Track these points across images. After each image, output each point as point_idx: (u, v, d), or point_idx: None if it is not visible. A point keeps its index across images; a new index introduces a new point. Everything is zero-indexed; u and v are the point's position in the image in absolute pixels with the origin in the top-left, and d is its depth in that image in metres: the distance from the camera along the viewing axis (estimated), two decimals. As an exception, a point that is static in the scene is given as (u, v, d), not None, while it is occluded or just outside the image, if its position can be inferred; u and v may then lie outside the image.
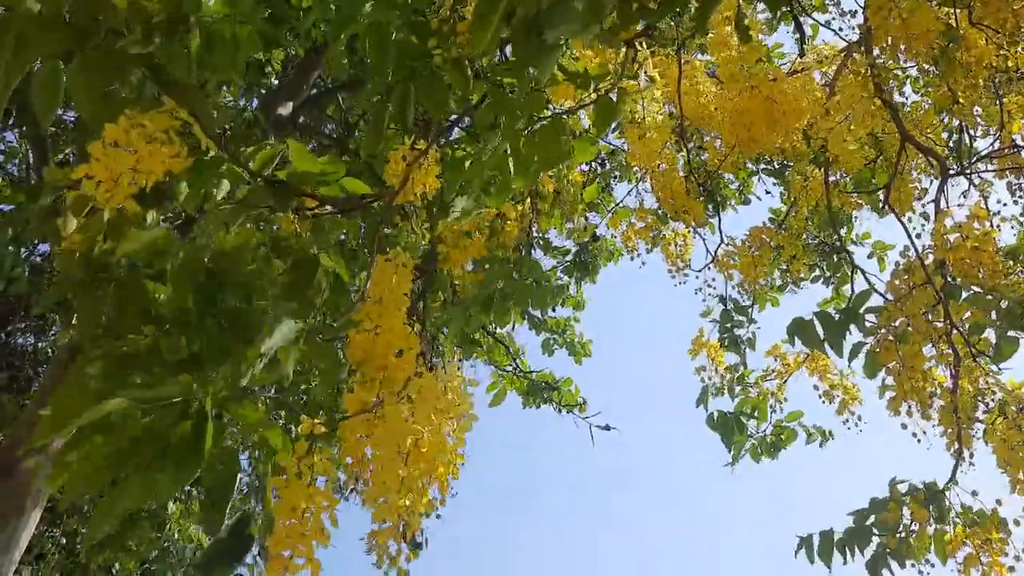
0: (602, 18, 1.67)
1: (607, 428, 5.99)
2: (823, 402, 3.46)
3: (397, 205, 2.37)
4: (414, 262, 2.15)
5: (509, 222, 2.67)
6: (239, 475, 1.43)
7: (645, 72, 2.54)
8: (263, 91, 7.37)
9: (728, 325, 4.46)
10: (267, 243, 1.93)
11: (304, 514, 1.32)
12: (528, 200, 2.99)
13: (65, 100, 1.87)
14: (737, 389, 3.88)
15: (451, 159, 2.82)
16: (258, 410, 1.36)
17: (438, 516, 1.55)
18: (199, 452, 1.25)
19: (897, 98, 4.31)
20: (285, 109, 7.08)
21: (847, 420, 3.28)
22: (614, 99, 2.33)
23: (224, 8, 1.88)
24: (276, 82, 7.26)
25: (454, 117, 3.32)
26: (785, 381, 3.82)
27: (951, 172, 2.79)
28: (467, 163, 2.73)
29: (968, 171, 3.25)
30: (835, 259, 5.37)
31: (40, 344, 9.09)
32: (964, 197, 4.01)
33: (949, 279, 2.45)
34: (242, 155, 2.01)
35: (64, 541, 7.89)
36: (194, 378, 1.26)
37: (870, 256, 5.93)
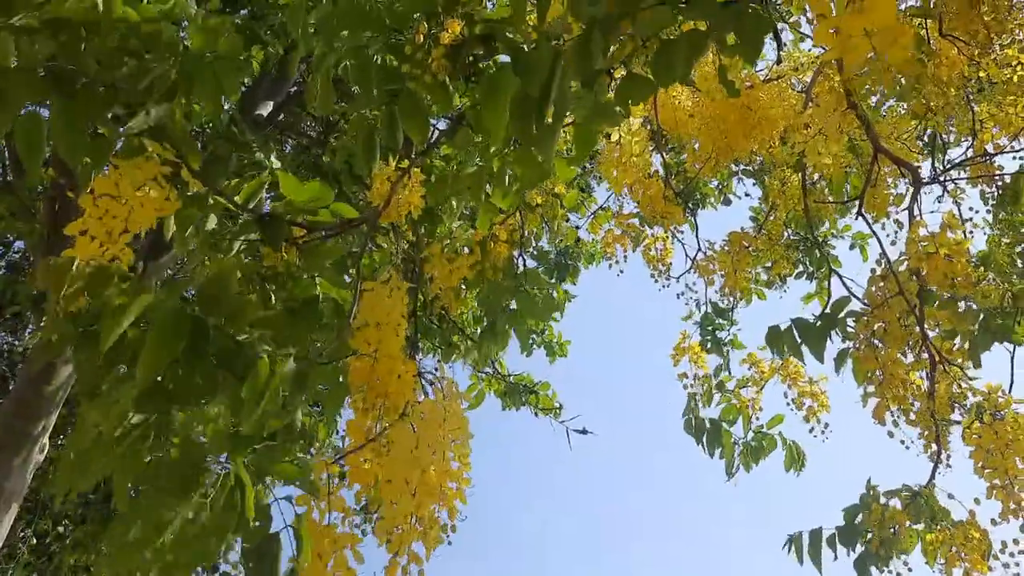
0: (595, 89, 1.73)
1: (584, 432, 6.04)
2: (792, 409, 3.52)
3: (381, 225, 2.41)
4: (407, 284, 2.19)
5: (500, 243, 2.70)
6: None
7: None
8: (243, 88, 7.32)
9: (710, 327, 4.53)
10: (258, 275, 1.96)
11: (331, 557, 1.35)
12: (518, 215, 3.02)
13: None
14: (717, 396, 3.94)
15: (435, 176, 2.85)
16: (287, 464, 1.39)
17: (449, 543, 1.59)
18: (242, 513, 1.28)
19: (874, 100, 4.40)
20: (265, 108, 7.06)
21: (813, 428, 3.35)
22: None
23: (204, 45, 1.89)
24: (254, 80, 7.21)
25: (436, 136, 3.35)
26: (761, 389, 3.88)
27: (924, 181, 2.87)
28: (449, 180, 2.77)
29: (941, 179, 3.33)
30: (817, 255, 5.44)
31: (16, 343, 9.01)
32: (939, 202, 4.11)
33: (923, 287, 2.52)
34: (226, 187, 2.03)
35: (35, 541, 7.86)
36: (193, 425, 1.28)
37: (852, 247, 6.03)
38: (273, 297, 2.13)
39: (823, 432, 3.26)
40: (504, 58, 2.20)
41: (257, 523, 1.39)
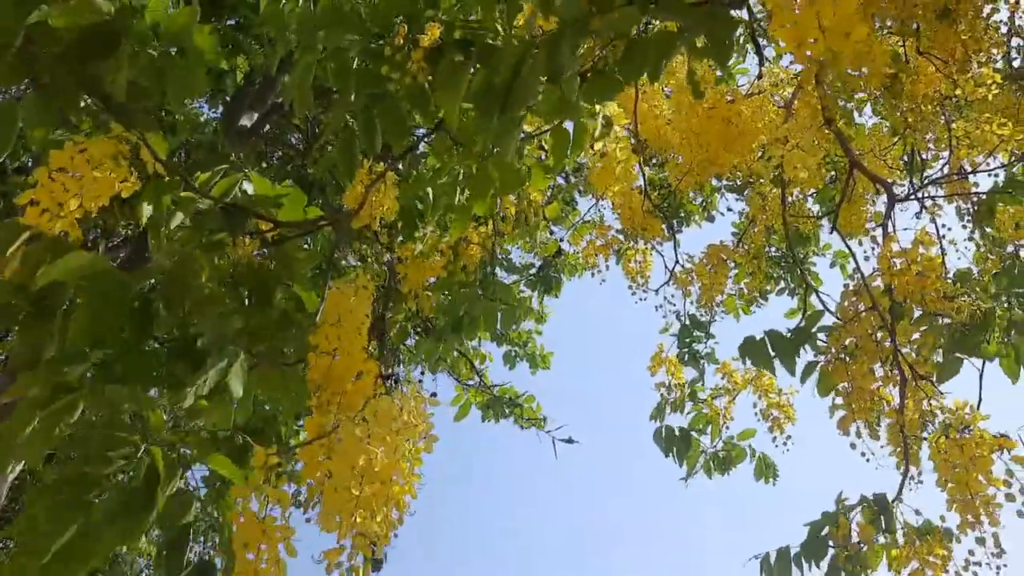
0: (562, 85, 1.73)
1: (569, 441, 6.05)
2: (758, 420, 3.55)
3: (358, 228, 2.39)
4: (374, 284, 2.17)
5: (472, 245, 2.70)
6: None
7: (604, 114, 2.59)
8: (228, 98, 7.31)
9: (687, 340, 4.52)
10: (229, 274, 1.95)
11: (261, 546, 1.34)
12: (491, 222, 3.02)
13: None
14: (689, 405, 3.95)
15: (412, 179, 2.85)
16: (218, 455, 1.37)
17: (395, 535, 1.57)
18: (152, 501, 1.26)
19: (856, 119, 4.43)
20: (249, 119, 7.04)
21: (775, 439, 3.38)
22: (569, 129, 2.38)
23: (175, 40, 1.89)
24: (238, 91, 7.20)
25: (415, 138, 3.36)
26: (734, 399, 3.89)
27: (898, 198, 2.87)
28: (427, 185, 2.76)
29: (916, 196, 3.34)
30: (798, 271, 5.47)
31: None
32: (917, 218, 4.12)
33: (896, 302, 2.52)
34: (197, 180, 2.02)
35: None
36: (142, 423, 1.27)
37: (832, 265, 6.07)
38: (247, 300, 2.11)
39: (785, 444, 3.28)
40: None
41: (175, 511, 1.37)
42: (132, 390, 1.42)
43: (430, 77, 2.19)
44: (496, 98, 1.80)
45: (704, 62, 2.56)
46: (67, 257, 1.68)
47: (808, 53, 1.30)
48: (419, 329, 5.24)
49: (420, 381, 6.39)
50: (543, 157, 3.17)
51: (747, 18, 4.00)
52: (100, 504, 1.26)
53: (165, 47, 1.90)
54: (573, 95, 1.94)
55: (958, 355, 2.69)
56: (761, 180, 4.03)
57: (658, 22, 2.01)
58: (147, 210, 2.00)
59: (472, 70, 2.05)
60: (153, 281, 1.85)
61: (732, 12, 1.85)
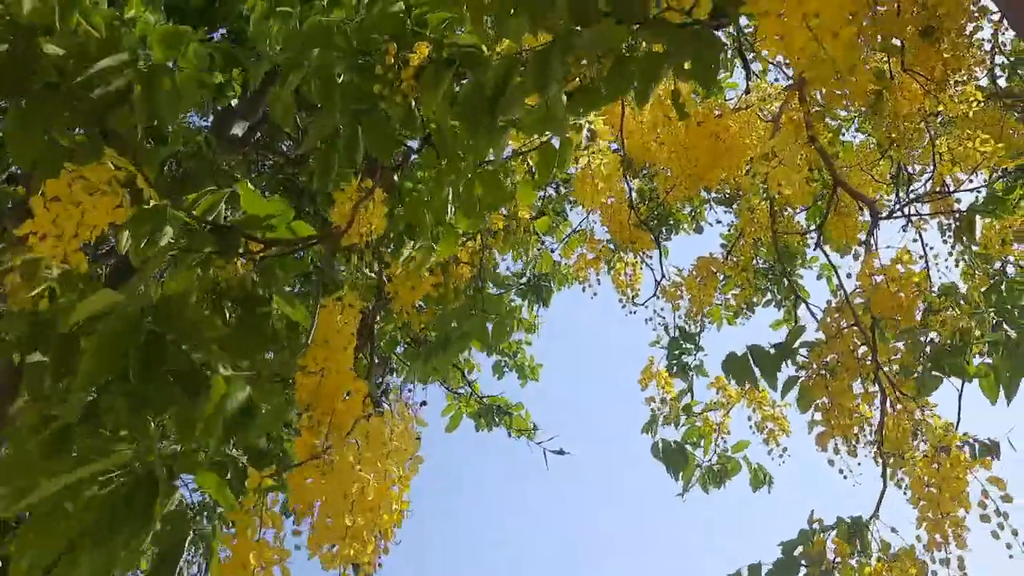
0: (548, 100, 1.75)
1: (560, 452, 6.06)
2: (753, 432, 3.60)
3: (345, 245, 2.41)
4: (362, 303, 2.19)
5: (462, 264, 2.72)
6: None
7: (589, 127, 2.62)
8: (219, 108, 7.31)
9: (676, 352, 4.56)
10: (213, 289, 1.96)
11: (255, 571, 1.35)
12: (479, 237, 3.04)
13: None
14: (683, 419, 3.98)
15: (400, 193, 2.87)
16: (209, 473, 1.39)
17: (380, 565, 1.59)
18: (150, 517, 1.28)
19: (844, 135, 4.48)
20: (240, 128, 7.04)
21: (771, 451, 3.42)
22: (556, 145, 2.40)
23: (166, 55, 1.91)
24: (236, 101, 7.20)
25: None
26: (728, 412, 3.93)
27: (880, 216, 2.91)
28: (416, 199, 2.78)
29: (899, 213, 3.38)
30: (785, 283, 5.51)
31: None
32: (903, 231, 4.16)
33: (876, 319, 2.55)
34: (185, 201, 2.04)
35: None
36: (137, 443, 1.28)
37: (819, 277, 6.11)
38: (228, 313, 2.12)
39: (781, 456, 3.31)
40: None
41: (168, 528, 1.39)
42: (133, 420, 1.44)
43: (418, 95, 2.22)
44: (483, 107, 1.83)
45: (690, 83, 2.58)
46: (94, 297, 1.68)
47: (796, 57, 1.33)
48: (409, 340, 5.26)
49: (411, 391, 6.41)
50: (531, 169, 3.20)
51: (734, 33, 4.05)
52: (92, 520, 1.28)
53: (155, 64, 1.91)
54: (559, 110, 1.96)
55: (937, 374, 2.73)
56: (749, 194, 4.07)
57: (645, 44, 2.04)
58: (128, 237, 2.02)
59: (459, 82, 2.08)
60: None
61: (719, 31, 1.88)
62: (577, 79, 2.08)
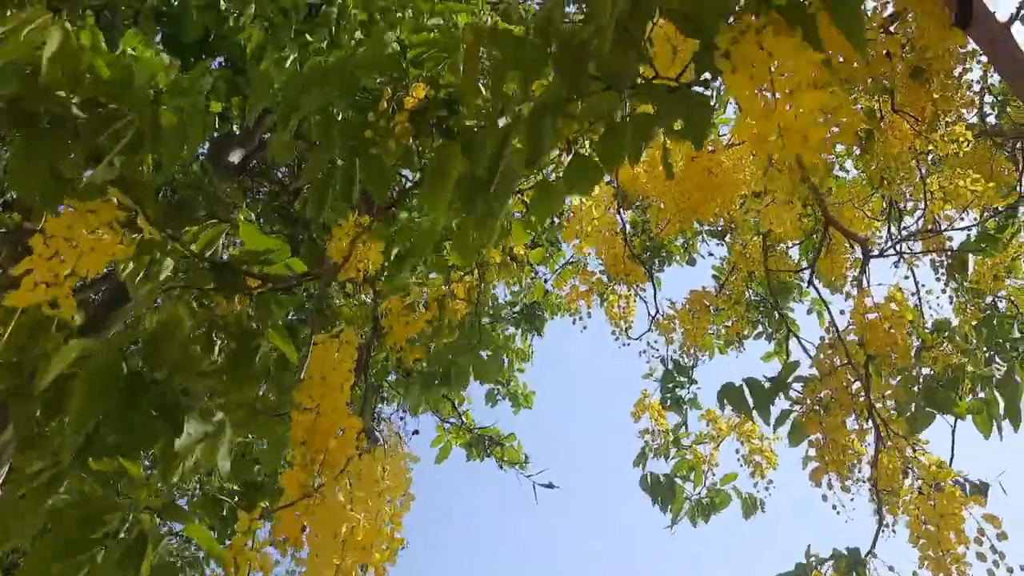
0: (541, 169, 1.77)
1: (550, 486, 6.03)
2: (740, 465, 3.63)
3: (340, 280, 2.42)
4: (358, 339, 2.20)
5: (458, 300, 2.73)
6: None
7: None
8: (217, 135, 7.34)
9: (670, 385, 4.57)
10: (207, 324, 1.97)
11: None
12: (476, 272, 3.06)
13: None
14: (673, 451, 3.99)
15: (400, 225, 2.88)
16: (196, 525, 1.39)
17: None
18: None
19: (838, 170, 4.52)
20: (236, 156, 7.06)
21: (757, 483, 3.46)
22: (552, 182, 2.42)
23: (174, 99, 1.92)
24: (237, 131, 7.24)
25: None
26: (718, 446, 3.94)
27: (872, 255, 2.94)
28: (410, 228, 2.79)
29: (892, 251, 3.42)
30: (776, 316, 5.53)
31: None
32: (896, 267, 4.20)
33: (869, 356, 2.57)
34: (184, 233, 2.04)
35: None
36: (121, 485, 1.28)
37: (809, 312, 6.14)
38: (220, 348, 2.12)
39: (767, 489, 3.35)
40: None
41: None
42: (120, 464, 1.44)
43: (413, 136, 2.23)
44: (478, 188, 1.85)
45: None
46: (67, 348, 1.68)
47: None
48: (399, 369, 5.26)
49: (402, 419, 6.38)
50: (526, 204, 3.22)
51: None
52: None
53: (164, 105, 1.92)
54: (551, 178, 1.98)
55: (930, 414, 2.74)
56: (742, 229, 4.10)
57: (635, 105, 2.06)
58: (128, 269, 2.03)
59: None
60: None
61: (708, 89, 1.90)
62: (569, 144, 2.10)
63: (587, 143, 1.93)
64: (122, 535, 1.30)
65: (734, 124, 1.23)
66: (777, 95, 1.19)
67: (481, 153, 1.82)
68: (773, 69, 1.26)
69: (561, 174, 2.14)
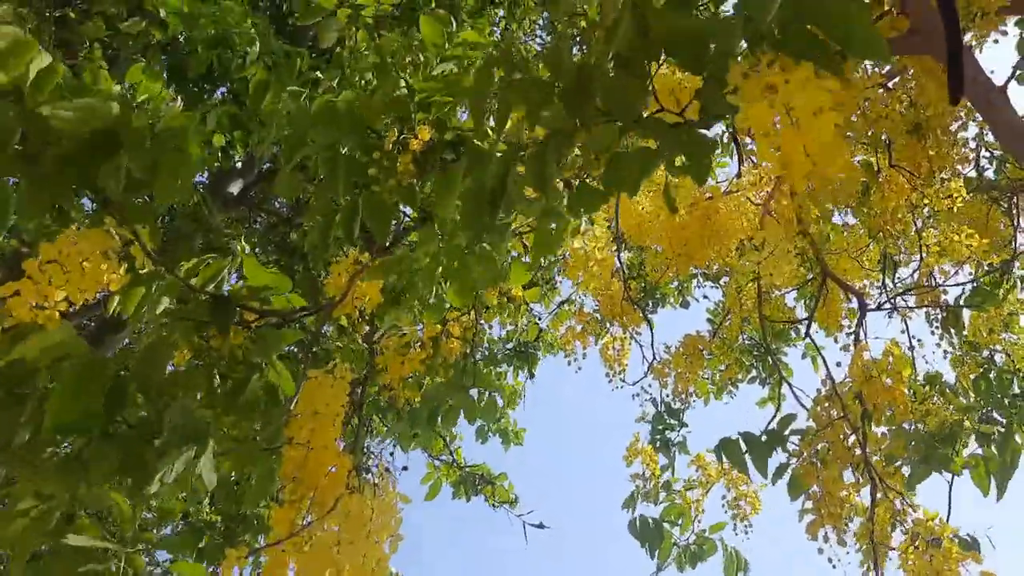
0: (547, 193, 1.79)
1: (541, 526, 5.97)
2: (723, 509, 3.62)
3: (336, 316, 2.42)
4: (352, 375, 2.18)
5: (454, 339, 2.73)
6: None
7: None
8: (218, 166, 7.36)
9: (660, 427, 4.56)
10: (203, 354, 1.95)
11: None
12: (472, 313, 3.06)
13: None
14: (662, 495, 3.97)
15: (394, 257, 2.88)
16: (187, 563, 1.37)
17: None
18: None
19: (835, 217, 4.55)
20: (235, 186, 7.08)
21: (736, 527, 3.47)
22: (553, 228, 2.43)
23: (173, 133, 1.92)
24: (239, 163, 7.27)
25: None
26: (707, 492, 3.92)
27: (869, 308, 2.95)
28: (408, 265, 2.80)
29: (888, 305, 3.43)
30: (769, 362, 5.53)
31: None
32: (889, 318, 4.21)
33: (866, 410, 2.57)
34: (186, 269, 2.04)
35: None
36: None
37: (803, 357, 6.14)
38: (212, 379, 2.11)
39: (746, 532, 3.36)
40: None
41: None
42: (98, 492, 1.42)
43: (414, 179, 2.24)
44: (485, 202, 1.86)
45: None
46: (39, 335, 1.67)
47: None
48: (389, 405, 5.23)
49: (392, 454, 6.32)
50: (525, 246, 3.23)
51: (729, 117, 4.14)
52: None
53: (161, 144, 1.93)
54: (557, 203, 1.99)
55: (926, 469, 2.73)
56: (738, 275, 4.11)
57: (637, 137, 2.08)
58: (116, 300, 2.02)
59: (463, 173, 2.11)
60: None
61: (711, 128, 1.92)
62: (574, 173, 2.13)
63: (590, 178, 1.95)
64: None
65: (758, 146, 1.24)
66: (799, 119, 1.19)
67: (489, 167, 1.83)
68: (789, 97, 1.26)
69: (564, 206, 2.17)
